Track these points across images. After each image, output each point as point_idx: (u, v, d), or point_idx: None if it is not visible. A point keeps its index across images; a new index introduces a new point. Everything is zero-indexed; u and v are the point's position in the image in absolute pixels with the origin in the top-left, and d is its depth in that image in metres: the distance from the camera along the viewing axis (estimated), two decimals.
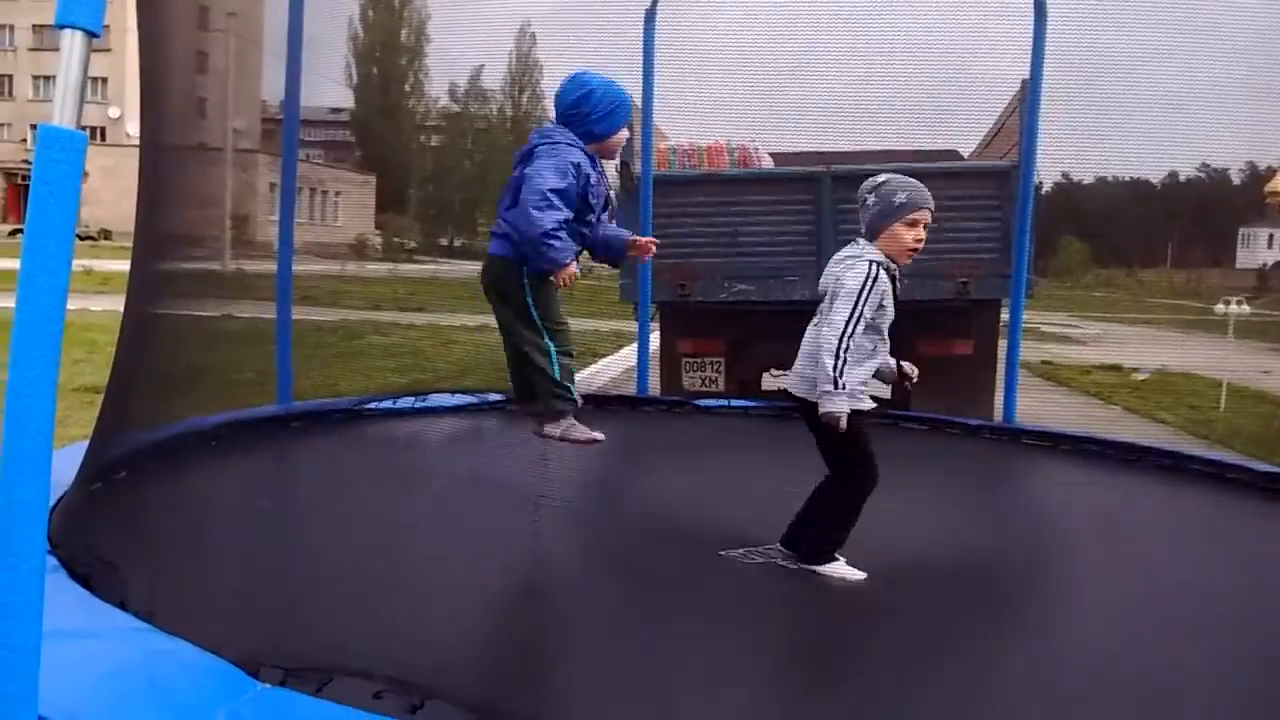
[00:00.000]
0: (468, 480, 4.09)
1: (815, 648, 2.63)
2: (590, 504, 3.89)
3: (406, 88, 56.01)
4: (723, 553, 3.26)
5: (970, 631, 2.81)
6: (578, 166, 3.31)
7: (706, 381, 7.27)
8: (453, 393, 5.67)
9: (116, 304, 3.62)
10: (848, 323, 3.07)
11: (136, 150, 3.64)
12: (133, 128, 43.54)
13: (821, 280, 3.30)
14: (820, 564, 3.10)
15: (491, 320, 3.63)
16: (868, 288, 3.08)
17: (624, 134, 3.50)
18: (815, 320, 3.31)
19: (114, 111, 50.02)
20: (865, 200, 3.21)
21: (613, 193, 3.58)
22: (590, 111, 3.39)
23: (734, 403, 6.24)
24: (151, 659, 2.04)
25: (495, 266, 3.44)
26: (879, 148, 7.67)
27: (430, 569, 2.92)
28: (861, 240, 3.23)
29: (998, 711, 2.30)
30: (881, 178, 3.25)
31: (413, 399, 5.45)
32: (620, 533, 3.57)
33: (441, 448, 4.97)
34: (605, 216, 3.55)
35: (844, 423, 3.03)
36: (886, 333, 3.23)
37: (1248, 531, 4.05)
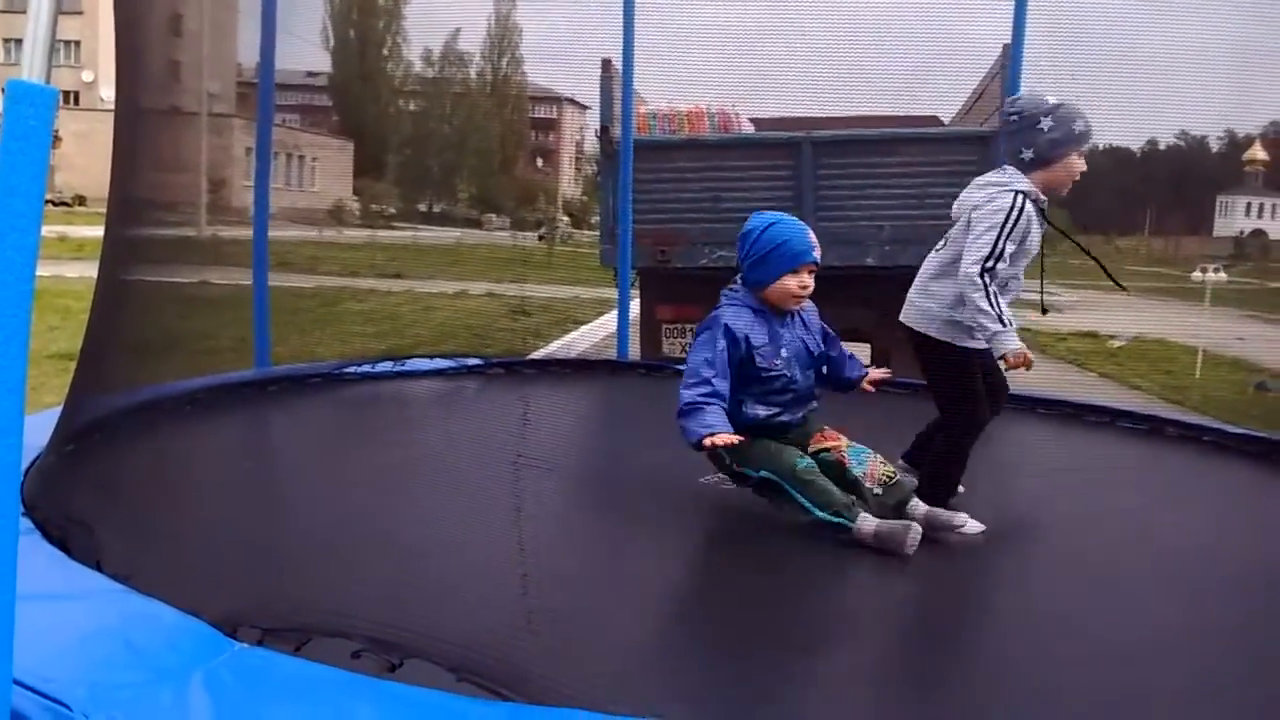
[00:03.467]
0: (447, 442, 4.09)
1: (800, 589, 2.64)
2: (571, 463, 3.90)
3: (384, 51, 55.47)
4: (703, 480, 3.38)
5: (951, 587, 2.84)
6: (729, 330, 2.99)
7: (686, 348, 7.27)
8: (431, 357, 5.66)
9: (91, 270, 3.59)
10: (990, 256, 2.90)
11: (110, 115, 3.59)
12: (106, 92, 42.96)
13: (955, 205, 3.15)
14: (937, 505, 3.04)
15: (469, 286, 3.57)
16: (1012, 219, 2.91)
17: (789, 281, 3.03)
18: (939, 245, 3.18)
19: (87, 75, 49.32)
20: (1037, 122, 2.99)
21: (809, 343, 3.14)
22: (744, 257, 3.12)
23: None
24: (128, 620, 2.04)
25: None
26: (860, 113, 7.66)
27: (409, 529, 2.92)
28: (1009, 167, 3.05)
29: (979, 665, 2.33)
30: (1051, 99, 3.03)
31: (391, 363, 5.44)
32: (601, 490, 3.60)
33: (421, 410, 4.97)
34: (808, 370, 3.16)
35: (1028, 358, 2.92)
36: (1023, 273, 3.10)
37: (1225, 491, 4.10)
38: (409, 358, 5.62)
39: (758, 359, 2.99)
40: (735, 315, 3.05)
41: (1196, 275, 13.78)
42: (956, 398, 3.09)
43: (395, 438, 4.24)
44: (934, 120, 8.23)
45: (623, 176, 6.39)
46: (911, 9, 7.03)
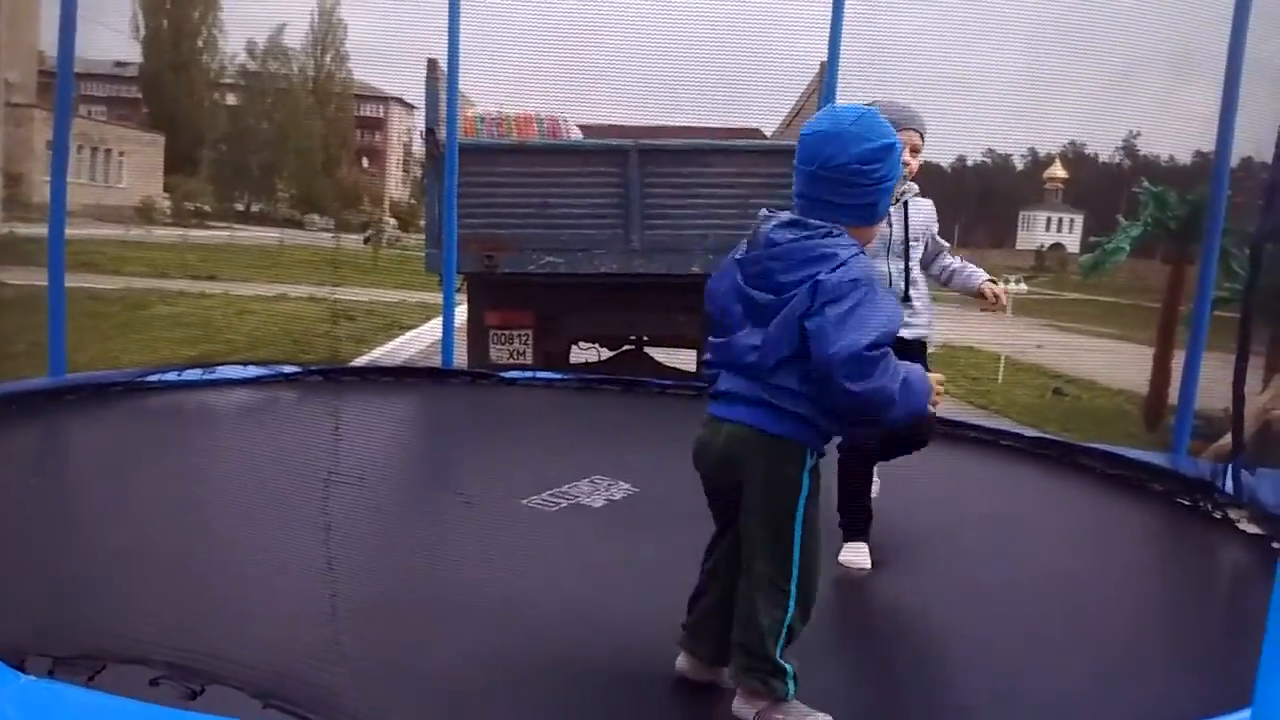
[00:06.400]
0: (254, 455, 3.92)
1: (627, 604, 2.63)
2: (386, 477, 3.80)
3: (200, 43, 53.24)
4: (524, 501, 3.37)
5: None
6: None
7: (514, 354, 7.24)
8: (244, 364, 5.43)
9: None
10: None
11: None
12: None
13: None
14: None
15: (289, 290, 3.41)
16: None
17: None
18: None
19: None
20: None
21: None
22: (887, 176, 2.23)
23: (540, 375, 6.24)
24: None
25: (756, 446, 2.14)
26: (686, 124, 7.79)
27: (212, 549, 2.79)
28: None
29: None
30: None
31: (200, 371, 5.19)
32: (418, 505, 3.53)
33: (228, 421, 4.75)
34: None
35: None
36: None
37: (1017, 493, 4.34)
38: (219, 365, 5.38)
39: None
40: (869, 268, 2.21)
41: (1000, 285, 14.58)
42: None
43: (199, 451, 4.05)
44: (756, 133, 8.44)
45: (447, 180, 6.31)
46: (736, 26, 7.21)
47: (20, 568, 2.48)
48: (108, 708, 1.71)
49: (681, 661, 2.26)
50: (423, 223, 7.62)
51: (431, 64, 6.76)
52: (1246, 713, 1.62)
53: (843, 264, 2.10)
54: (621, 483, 3.70)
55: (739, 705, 2.12)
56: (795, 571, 2.10)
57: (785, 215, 2.26)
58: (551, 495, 3.50)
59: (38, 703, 1.75)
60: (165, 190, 43.05)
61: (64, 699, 1.76)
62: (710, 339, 2.26)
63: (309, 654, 1.96)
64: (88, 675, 1.82)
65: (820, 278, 2.08)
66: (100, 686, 1.78)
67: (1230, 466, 3.91)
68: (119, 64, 53.08)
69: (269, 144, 52.06)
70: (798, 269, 2.12)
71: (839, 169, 2.19)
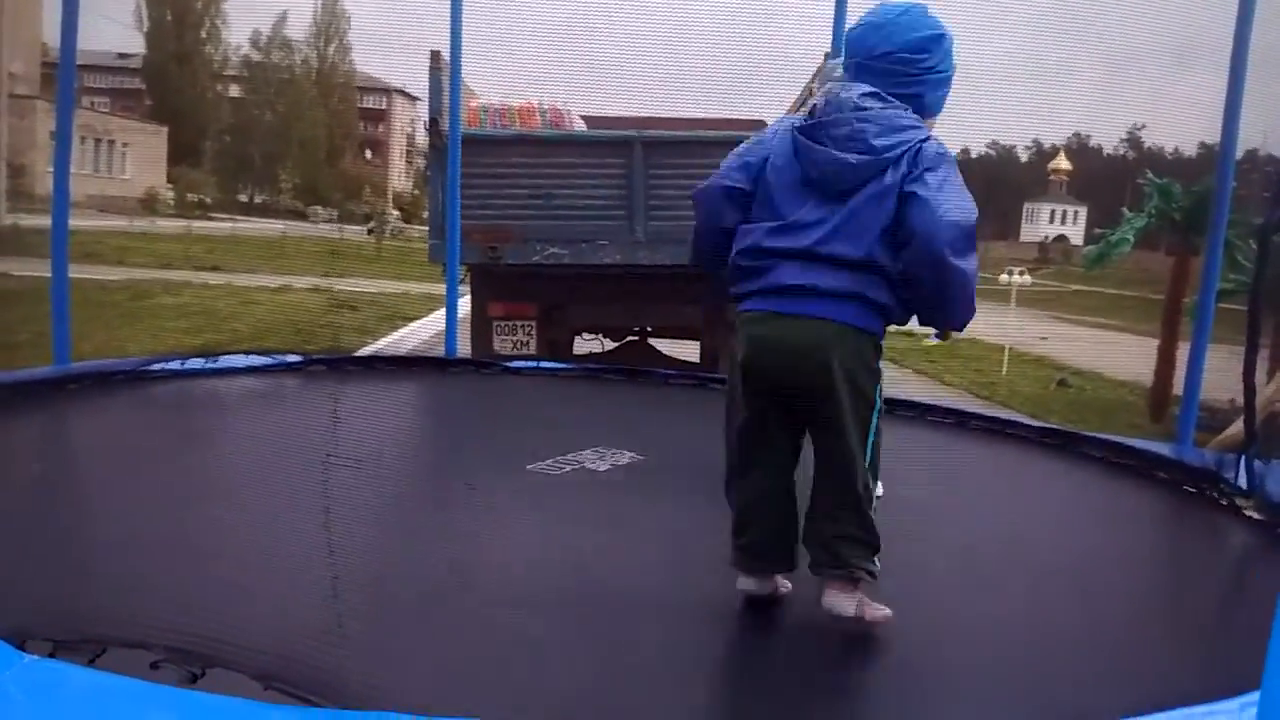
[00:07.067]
0: (257, 441, 3.93)
1: (629, 583, 2.62)
2: (386, 462, 3.80)
3: (203, 33, 53.24)
4: (529, 467, 3.41)
5: None
6: None
7: (518, 345, 7.23)
8: (246, 353, 5.43)
9: None
10: None
11: None
12: None
13: None
14: None
15: (293, 280, 3.40)
16: None
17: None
18: None
19: None
20: None
21: None
22: (937, 66, 2.17)
23: (544, 364, 6.24)
24: None
25: (839, 339, 2.09)
26: (690, 115, 7.78)
27: (212, 533, 2.78)
28: None
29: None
30: None
31: (203, 360, 5.19)
32: (417, 488, 3.53)
33: (231, 408, 4.75)
34: None
35: None
36: None
37: (1023, 480, 4.33)
38: (222, 354, 5.38)
39: None
40: None
41: (1004, 278, 14.56)
42: None
43: (202, 438, 4.05)
44: (760, 124, 8.42)
45: (451, 171, 6.30)
46: (739, 17, 7.20)
47: (24, 552, 2.48)
48: (110, 688, 1.71)
49: (746, 582, 2.22)
50: (426, 214, 7.60)
51: (434, 55, 6.75)
52: (1254, 696, 1.61)
53: (929, 137, 2.07)
54: (626, 451, 3.71)
55: (836, 600, 2.11)
56: (871, 453, 2.12)
57: (864, 86, 2.17)
58: (556, 462, 3.52)
59: (39, 682, 1.75)
60: (169, 181, 43.02)
61: (66, 679, 1.76)
62: (745, 225, 2.19)
63: (311, 636, 1.96)
64: (89, 657, 1.82)
65: (920, 144, 2.03)
66: (102, 668, 1.78)
67: (1243, 458, 3.86)
68: (122, 55, 53.10)
69: (272, 135, 52.09)
70: (892, 134, 2.06)
71: (884, 58, 2.13)
